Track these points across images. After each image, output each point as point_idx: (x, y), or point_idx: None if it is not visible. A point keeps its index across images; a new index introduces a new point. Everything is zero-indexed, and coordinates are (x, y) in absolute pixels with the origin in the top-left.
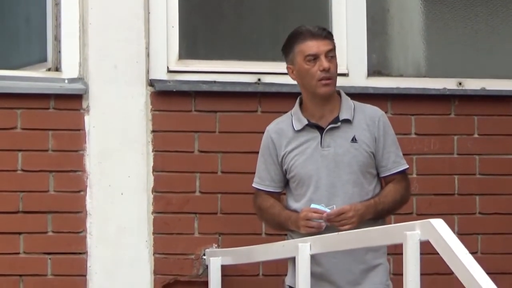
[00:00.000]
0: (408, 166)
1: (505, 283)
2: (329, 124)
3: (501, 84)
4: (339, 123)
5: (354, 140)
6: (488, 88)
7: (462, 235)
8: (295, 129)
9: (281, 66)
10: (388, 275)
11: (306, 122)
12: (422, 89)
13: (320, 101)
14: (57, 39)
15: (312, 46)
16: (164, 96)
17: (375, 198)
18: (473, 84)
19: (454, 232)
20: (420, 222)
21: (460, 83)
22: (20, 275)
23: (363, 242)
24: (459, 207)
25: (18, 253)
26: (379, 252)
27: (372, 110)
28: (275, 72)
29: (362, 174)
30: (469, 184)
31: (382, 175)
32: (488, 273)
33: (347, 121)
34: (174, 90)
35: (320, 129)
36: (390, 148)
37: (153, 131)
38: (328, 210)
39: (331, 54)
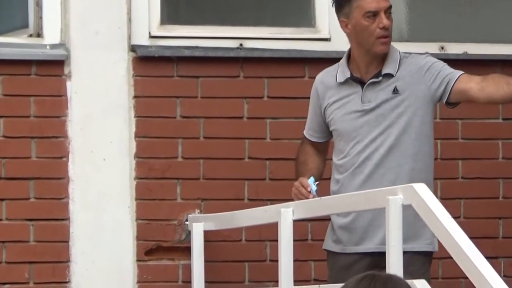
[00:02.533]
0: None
1: (488, 247)
2: (371, 78)
3: (483, 48)
4: (380, 78)
5: (395, 91)
6: (470, 52)
7: (445, 199)
8: (338, 81)
9: (264, 31)
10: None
11: (349, 75)
12: (405, 53)
13: (373, 58)
14: (38, 5)
15: (371, 2)
16: (146, 61)
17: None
18: (455, 48)
19: (437, 197)
20: (403, 186)
21: (442, 48)
22: (3, 242)
23: (346, 207)
24: (441, 171)
25: (1, 220)
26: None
27: (417, 58)
28: (257, 37)
29: (405, 123)
30: (452, 149)
31: (449, 88)
32: (471, 237)
33: (389, 75)
34: (156, 55)
35: (362, 84)
36: (441, 70)
37: (135, 96)
38: (315, 188)
39: (389, 11)
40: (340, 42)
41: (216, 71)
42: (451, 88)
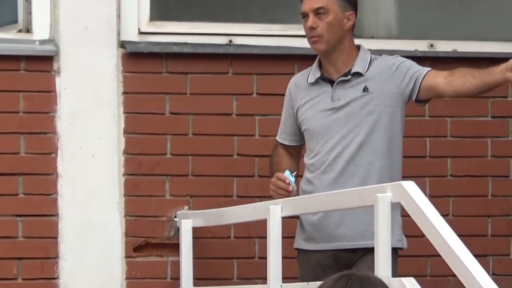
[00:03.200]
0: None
1: (476, 245)
2: (340, 77)
3: (473, 46)
4: (349, 76)
5: (365, 89)
6: (459, 50)
7: (433, 197)
8: (309, 81)
9: (253, 28)
10: (401, 230)
11: (319, 75)
12: (394, 51)
13: (323, 57)
14: (28, 0)
15: (303, 4)
16: (135, 57)
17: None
18: (444, 46)
19: (425, 195)
20: (392, 184)
21: (431, 45)
22: None
23: (335, 205)
24: (430, 169)
25: None
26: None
27: (387, 59)
28: (246, 34)
29: (375, 123)
30: (441, 147)
31: (417, 85)
32: (459, 235)
33: (358, 74)
34: (145, 51)
35: (332, 83)
36: (410, 68)
37: (124, 92)
38: (293, 180)
39: (320, 11)
40: None
41: (205, 68)
42: (420, 85)
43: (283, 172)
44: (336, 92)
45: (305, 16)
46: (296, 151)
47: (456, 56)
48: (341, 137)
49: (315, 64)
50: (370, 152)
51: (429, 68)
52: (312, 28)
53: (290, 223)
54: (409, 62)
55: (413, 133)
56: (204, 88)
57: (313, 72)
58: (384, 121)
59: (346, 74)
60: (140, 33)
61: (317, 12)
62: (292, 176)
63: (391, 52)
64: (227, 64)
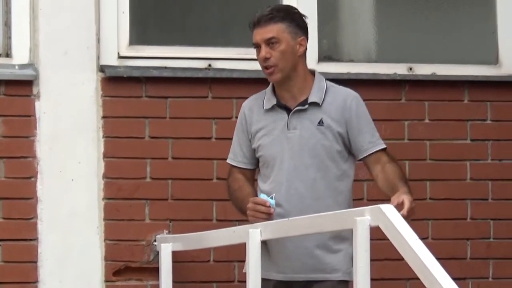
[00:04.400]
0: (385, 146)
1: (456, 268)
2: (297, 106)
3: (452, 69)
4: (306, 106)
5: (321, 123)
6: (438, 73)
7: (413, 220)
8: (264, 108)
9: (232, 52)
10: (351, 262)
11: (275, 102)
12: (373, 74)
13: (279, 85)
14: (7, 24)
15: (255, 34)
16: (115, 81)
17: (400, 184)
18: (423, 69)
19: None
20: (370, 207)
21: (410, 68)
22: None
23: (314, 228)
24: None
25: None
26: (343, 238)
27: (344, 92)
28: (225, 58)
29: (327, 158)
30: (420, 170)
31: (361, 156)
32: (438, 258)
33: (315, 104)
34: (125, 75)
35: (288, 110)
36: (364, 129)
37: (103, 117)
38: (273, 202)
39: (272, 41)
40: (309, 63)
41: (184, 92)
42: (363, 158)
43: (249, 197)
44: (292, 121)
45: (257, 46)
46: (252, 175)
47: (435, 79)
48: (294, 168)
49: (270, 89)
50: (323, 186)
51: (380, 146)
52: (266, 59)
53: None
54: (367, 120)
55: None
56: (184, 112)
57: (268, 98)
58: (336, 156)
59: (303, 103)
60: (120, 57)
61: (269, 42)
62: (271, 198)
63: (371, 76)
64: (207, 88)
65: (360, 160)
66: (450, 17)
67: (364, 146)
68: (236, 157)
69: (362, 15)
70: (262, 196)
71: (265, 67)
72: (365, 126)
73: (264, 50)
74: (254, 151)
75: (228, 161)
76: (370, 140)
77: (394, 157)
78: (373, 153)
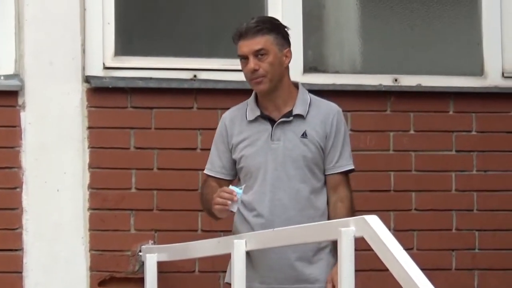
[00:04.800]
0: (353, 168)
1: (441, 279)
2: (281, 117)
3: (437, 80)
4: (291, 118)
5: (304, 135)
6: (424, 84)
7: (398, 231)
8: (248, 119)
9: (217, 63)
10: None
11: (259, 113)
12: (358, 85)
13: (264, 96)
14: None
15: (242, 46)
16: (100, 92)
17: None
18: (409, 81)
19: (390, 229)
20: (355, 218)
21: (396, 80)
22: None
23: (299, 239)
24: (395, 203)
25: None
26: (322, 247)
27: (328, 106)
28: (211, 69)
29: (309, 170)
30: (405, 181)
31: (326, 173)
32: (424, 269)
33: (300, 116)
34: (110, 86)
35: (272, 122)
36: (337, 147)
37: (89, 127)
38: (240, 192)
39: (261, 53)
40: (295, 74)
41: (170, 102)
42: (327, 175)
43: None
44: (276, 132)
45: (244, 58)
46: (228, 185)
47: (421, 91)
48: (277, 179)
49: (252, 101)
50: (305, 198)
51: (347, 167)
52: (254, 70)
53: None
54: (344, 137)
55: (378, 167)
56: (169, 122)
57: (251, 109)
58: (315, 169)
59: (287, 115)
60: (105, 68)
61: (258, 53)
62: (240, 188)
63: (356, 87)
64: (192, 99)
65: (325, 175)
66: (435, 28)
67: (331, 164)
68: (214, 167)
69: (347, 26)
70: (231, 187)
71: (253, 78)
72: (338, 145)
73: (253, 62)
74: (233, 162)
75: (205, 171)
76: (337, 160)
77: (351, 188)
78: (334, 174)
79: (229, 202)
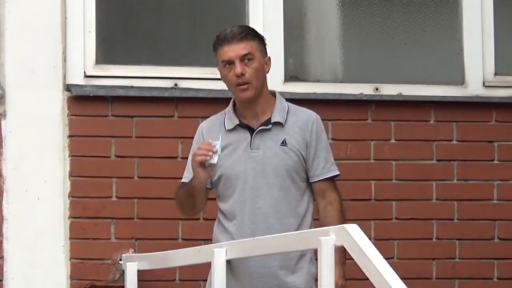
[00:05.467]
0: (338, 173)
1: None
2: (260, 126)
3: (418, 89)
4: (269, 126)
5: (284, 143)
6: (404, 93)
7: (378, 240)
8: (226, 128)
9: (198, 71)
10: (312, 280)
11: (238, 122)
12: (339, 94)
13: (244, 105)
14: None
15: (227, 51)
16: (81, 100)
17: (338, 256)
18: (389, 90)
19: (370, 238)
20: (335, 227)
21: (376, 89)
22: None
23: (279, 248)
24: (375, 212)
25: None
26: (303, 255)
27: (306, 114)
28: (191, 77)
29: (290, 178)
30: (386, 190)
31: (311, 180)
32: (404, 279)
33: (278, 124)
34: (91, 95)
35: (251, 130)
36: (321, 153)
37: (69, 136)
38: (218, 143)
39: (247, 57)
40: (275, 83)
41: (150, 111)
42: (313, 182)
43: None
44: (255, 140)
45: (229, 63)
46: (205, 195)
47: (401, 100)
48: (257, 187)
49: (230, 109)
50: (285, 206)
51: (333, 173)
52: (242, 75)
53: None
54: (325, 144)
55: (358, 176)
56: (150, 131)
57: (229, 118)
58: (296, 177)
59: (266, 123)
60: (86, 76)
61: (244, 58)
62: (217, 140)
63: (337, 96)
64: (173, 108)
65: (311, 183)
66: (416, 38)
67: (317, 171)
68: (191, 175)
69: (328, 35)
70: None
71: (239, 84)
72: (321, 151)
73: (240, 67)
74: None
75: (183, 180)
76: (324, 166)
77: (339, 191)
78: (321, 180)
79: (210, 153)
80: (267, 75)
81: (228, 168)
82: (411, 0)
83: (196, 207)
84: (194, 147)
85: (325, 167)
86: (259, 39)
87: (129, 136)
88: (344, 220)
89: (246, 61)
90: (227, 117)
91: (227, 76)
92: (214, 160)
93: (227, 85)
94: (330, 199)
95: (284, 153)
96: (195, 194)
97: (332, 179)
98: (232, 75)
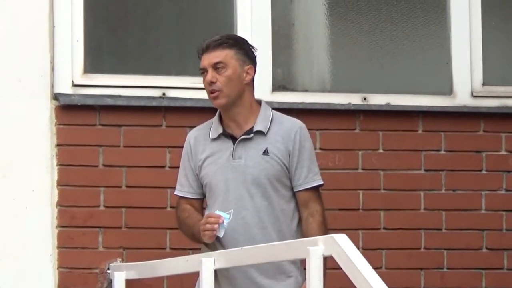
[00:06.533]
0: (322, 183)
1: None
2: (242, 135)
3: (406, 99)
4: (251, 135)
5: (266, 152)
6: (392, 103)
7: (366, 250)
8: (211, 137)
9: (186, 81)
10: None
11: (221, 131)
12: (327, 104)
13: (223, 113)
14: None
15: (203, 59)
16: (69, 110)
17: None
18: (377, 99)
19: (358, 247)
20: (323, 237)
21: (365, 98)
22: None
23: (267, 257)
24: (363, 222)
25: None
26: (292, 266)
27: (290, 123)
28: (179, 87)
29: (272, 187)
30: (374, 199)
31: (294, 190)
32: None
33: (260, 133)
34: (79, 104)
35: (234, 139)
36: (303, 163)
37: (57, 145)
38: (227, 216)
39: (219, 66)
40: (263, 93)
41: (138, 120)
42: (297, 192)
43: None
44: (237, 150)
45: (204, 71)
46: (200, 205)
47: (389, 110)
48: (240, 197)
49: (216, 119)
50: (268, 214)
51: (314, 182)
52: (211, 83)
53: None
54: (309, 152)
55: (346, 186)
56: (138, 140)
57: (214, 127)
58: (278, 186)
59: (248, 132)
60: (74, 85)
61: (216, 66)
62: (227, 213)
63: (325, 105)
64: (161, 117)
65: (295, 192)
66: (404, 48)
67: (300, 181)
68: (183, 187)
69: (316, 45)
70: (218, 212)
71: (210, 91)
72: (304, 160)
73: (210, 74)
74: (200, 180)
75: (175, 193)
76: (306, 176)
77: (322, 202)
78: (303, 190)
79: (216, 226)
80: (255, 84)
81: (210, 177)
82: (399, 10)
83: (197, 243)
84: (183, 158)
85: (308, 176)
86: (238, 48)
87: (117, 145)
88: (325, 231)
89: (218, 69)
90: (213, 126)
91: (204, 84)
92: (221, 233)
93: (206, 92)
94: (312, 210)
95: (266, 162)
96: (199, 241)
97: (315, 189)
98: (206, 82)
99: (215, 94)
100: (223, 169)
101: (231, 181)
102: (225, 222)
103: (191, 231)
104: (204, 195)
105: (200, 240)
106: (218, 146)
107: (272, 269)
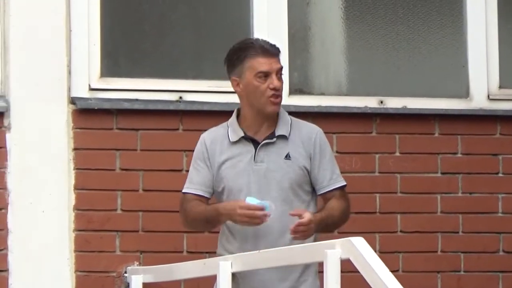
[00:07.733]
0: (345, 183)
1: None
2: (264, 139)
3: (422, 102)
4: (274, 139)
5: (287, 157)
6: (409, 106)
7: (383, 253)
8: (231, 140)
9: (202, 84)
10: None
11: (242, 135)
12: (344, 107)
13: (264, 118)
14: None
15: (264, 63)
16: (86, 113)
17: (322, 212)
18: (394, 103)
19: (375, 251)
20: (341, 240)
21: (381, 102)
22: None
23: (284, 260)
24: (380, 225)
25: None
26: (308, 269)
27: (308, 128)
28: (196, 90)
29: (293, 192)
30: (391, 203)
31: (319, 193)
32: None
33: (283, 137)
34: (96, 108)
35: (255, 143)
36: (326, 165)
37: (74, 148)
38: (267, 204)
39: (281, 73)
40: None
41: (155, 124)
42: (321, 194)
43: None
44: (259, 153)
45: (265, 75)
46: (207, 203)
47: (406, 113)
48: (261, 200)
49: (234, 122)
50: (288, 220)
51: (339, 182)
52: (277, 89)
53: None
54: (329, 155)
55: (363, 189)
56: (155, 144)
57: (233, 130)
58: (299, 190)
59: (271, 136)
60: (91, 89)
61: (278, 72)
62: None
63: (342, 109)
64: (178, 121)
65: (319, 195)
66: (421, 51)
67: (324, 183)
68: (193, 185)
69: (333, 48)
70: (250, 200)
71: (274, 96)
72: (326, 163)
73: (277, 80)
74: (211, 180)
75: (183, 190)
76: (331, 177)
77: (348, 197)
78: (330, 191)
79: (265, 218)
80: None
81: (230, 181)
82: (416, 13)
83: (208, 230)
84: (196, 158)
85: (332, 178)
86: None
87: (134, 149)
88: (347, 211)
89: (279, 75)
90: (230, 129)
91: (260, 88)
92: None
93: (256, 97)
94: (337, 197)
95: (288, 167)
96: (215, 224)
97: (340, 189)
98: (266, 88)
99: (278, 100)
100: (244, 173)
101: (252, 184)
102: (267, 208)
103: (203, 215)
104: (211, 194)
105: (215, 221)
106: (238, 149)
107: (291, 271)
